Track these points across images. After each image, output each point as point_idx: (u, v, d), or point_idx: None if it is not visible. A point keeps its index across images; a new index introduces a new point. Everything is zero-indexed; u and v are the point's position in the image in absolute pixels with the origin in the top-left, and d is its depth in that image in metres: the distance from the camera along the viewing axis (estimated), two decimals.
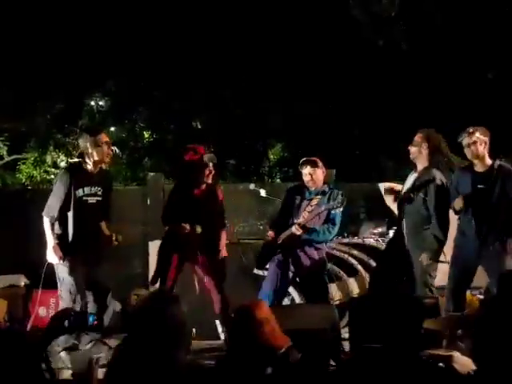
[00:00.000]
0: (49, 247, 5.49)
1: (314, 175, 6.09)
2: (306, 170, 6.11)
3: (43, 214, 5.53)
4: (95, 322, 4.88)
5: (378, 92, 11.17)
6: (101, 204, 5.69)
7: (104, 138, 5.72)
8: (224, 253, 6.10)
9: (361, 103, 11.48)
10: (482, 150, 5.49)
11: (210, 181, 6.06)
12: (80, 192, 5.52)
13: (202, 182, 6.00)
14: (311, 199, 6.13)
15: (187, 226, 5.81)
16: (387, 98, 11.10)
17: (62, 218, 5.50)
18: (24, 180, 11.38)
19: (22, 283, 7.04)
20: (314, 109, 11.88)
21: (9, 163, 11.60)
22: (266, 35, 11.67)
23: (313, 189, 6.17)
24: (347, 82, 11.53)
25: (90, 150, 5.55)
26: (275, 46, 11.68)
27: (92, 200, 5.62)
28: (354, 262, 7.16)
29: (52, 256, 5.47)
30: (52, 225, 5.50)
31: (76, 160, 5.87)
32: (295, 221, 6.06)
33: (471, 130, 5.51)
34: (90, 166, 5.58)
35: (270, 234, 6.24)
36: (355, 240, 7.35)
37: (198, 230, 5.88)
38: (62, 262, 5.44)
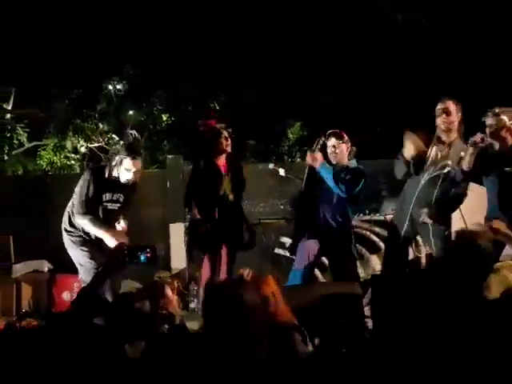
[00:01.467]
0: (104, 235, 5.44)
1: (338, 148, 5.89)
2: (330, 142, 5.90)
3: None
4: (148, 255, 4.79)
5: (399, 68, 11.05)
6: (120, 209, 5.65)
7: (137, 164, 5.48)
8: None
9: (381, 79, 11.37)
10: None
11: (229, 148, 5.90)
12: (103, 197, 5.50)
13: (221, 151, 5.88)
14: None
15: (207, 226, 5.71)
16: (408, 74, 10.98)
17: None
18: (45, 166, 11.47)
19: (46, 268, 7.06)
20: (333, 88, 11.80)
21: (29, 150, 11.69)
22: (283, 16, 11.59)
23: (335, 163, 5.96)
24: (367, 60, 11.43)
25: (115, 163, 5.48)
26: (292, 26, 11.61)
27: (112, 206, 5.58)
28: (376, 239, 7.10)
29: (111, 241, 5.41)
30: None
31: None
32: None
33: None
34: (113, 173, 5.52)
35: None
36: (377, 217, 7.29)
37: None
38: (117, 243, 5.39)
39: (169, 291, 3.77)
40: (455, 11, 10.23)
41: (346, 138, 5.94)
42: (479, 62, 10.27)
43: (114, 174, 5.48)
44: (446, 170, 5.50)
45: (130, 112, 12.43)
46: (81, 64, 11.35)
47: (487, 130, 5.32)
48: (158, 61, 12.15)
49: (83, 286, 5.26)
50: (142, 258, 4.38)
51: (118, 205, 5.61)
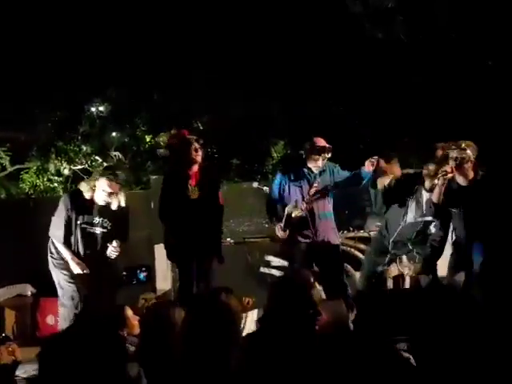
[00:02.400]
0: (70, 262, 5.49)
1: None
2: (323, 157, 6.03)
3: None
4: (146, 274, 4.73)
5: (381, 86, 11.10)
6: (108, 235, 5.64)
7: (113, 187, 5.57)
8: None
9: (363, 98, 11.42)
10: None
11: (199, 159, 5.89)
12: (79, 219, 5.51)
13: (191, 161, 5.85)
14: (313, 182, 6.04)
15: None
16: (390, 93, 11.03)
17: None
18: (27, 189, 11.38)
19: (29, 292, 7.01)
20: (316, 106, 11.84)
21: (12, 173, 11.60)
22: (266, 34, 11.64)
23: (316, 171, 6.09)
24: (348, 78, 11.48)
25: (91, 186, 5.52)
26: (275, 45, 11.65)
27: (94, 230, 5.58)
28: (360, 256, 7.11)
29: (76, 268, 5.48)
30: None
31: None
32: (301, 204, 5.95)
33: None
34: (90, 194, 5.53)
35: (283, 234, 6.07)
36: (361, 233, 7.30)
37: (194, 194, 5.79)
38: (85, 271, 5.45)
39: (129, 312, 3.77)
40: (435, 28, 10.31)
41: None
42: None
43: (91, 195, 5.50)
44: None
45: (113, 134, 12.40)
46: (63, 86, 11.31)
47: (451, 163, 5.42)
48: (141, 81, 12.15)
49: (76, 312, 5.26)
50: (141, 276, 4.39)
51: (103, 230, 5.61)
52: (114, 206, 5.58)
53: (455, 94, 10.26)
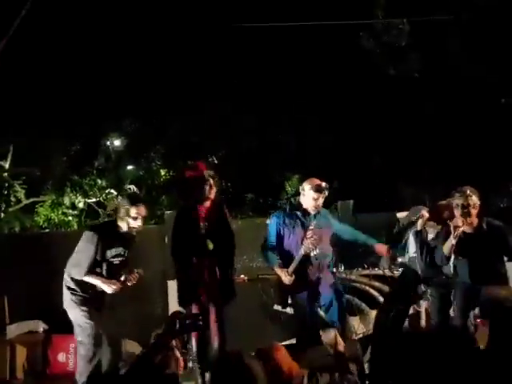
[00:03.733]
0: (102, 285, 5.46)
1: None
2: (323, 195, 5.97)
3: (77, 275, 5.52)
4: (201, 323, 4.64)
5: (395, 120, 11.12)
6: (124, 263, 5.64)
7: (141, 211, 5.59)
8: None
9: (377, 132, 11.43)
10: None
11: (212, 196, 5.84)
12: (108, 254, 5.51)
13: (203, 198, 5.83)
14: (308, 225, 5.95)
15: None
16: (404, 126, 11.04)
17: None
18: (42, 222, 11.42)
19: (41, 329, 6.93)
20: (329, 140, 11.87)
21: (27, 206, 11.66)
22: (280, 69, 11.73)
23: (312, 213, 6.00)
24: (362, 112, 11.52)
25: (121, 215, 5.54)
26: (290, 80, 11.73)
27: (116, 261, 5.58)
28: (375, 293, 7.00)
29: (109, 288, 5.44)
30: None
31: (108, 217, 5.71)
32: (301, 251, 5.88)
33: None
34: (122, 226, 5.55)
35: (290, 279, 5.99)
36: (376, 271, 7.20)
37: (210, 246, 5.69)
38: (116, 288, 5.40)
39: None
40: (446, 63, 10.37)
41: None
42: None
43: (123, 226, 5.51)
44: None
45: (129, 167, 12.47)
46: (78, 120, 11.42)
47: (456, 211, 5.41)
48: (156, 115, 12.25)
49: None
50: (197, 326, 4.33)
51: (122, 258, 5.61)
52: (135, 226, 5.58)
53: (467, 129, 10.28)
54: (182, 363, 4.09)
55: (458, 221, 5.40)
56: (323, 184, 6.00)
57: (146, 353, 3.98)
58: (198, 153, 12.69)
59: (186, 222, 5.77)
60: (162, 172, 12.78)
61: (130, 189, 12.35)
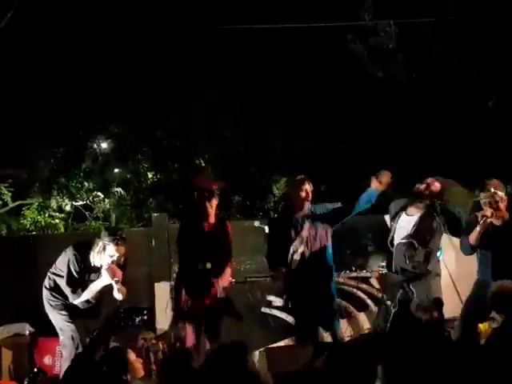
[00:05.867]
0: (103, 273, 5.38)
1: (310, 193, 5.90)
2: (307, 187, 5.88)
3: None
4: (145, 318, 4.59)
5: (384, 122, 11.14)
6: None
7: (120, 250, 5.40)
8: (221, 293, 5.80)
9: (365, 135, 11.46)
10: None
11: (212, 212, 5.84)
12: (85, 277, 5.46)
13: (205, 215, 5.79)
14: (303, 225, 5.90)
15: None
16: (393, 128, 11.07)
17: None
18: (29, 225, 11.35)
19: (27, 332, 6.88)
20: (317, 142, 11.90)
21: (13, 209, 11.59)
22: (268, 72, 11.75)
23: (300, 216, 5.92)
24: (350, 115, 11.54)
25: (99, 251, 5.42)
26: (278, 82, 11.75)
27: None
28: (363, 296, 7.02)
29: (107, 277, 5.33)
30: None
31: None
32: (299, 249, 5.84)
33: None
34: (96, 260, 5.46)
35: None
36: (364, 274, 7.21)
37: (208, 265, 5.70)
38: (118, 279, 5.29)
39: (132, 356, 3.69)
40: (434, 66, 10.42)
41: None
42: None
43: (96, 261, 5.40)
44: None
45: (116, 170, 12.43)
46: (65, 123, 11.37)
47: (488, 209, 5.36)
48: (143, 118, 12.22)
49: (78, 352, 5.17)
50: (138, 320, 4.31)
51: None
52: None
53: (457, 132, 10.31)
54: (141, 370, 3.99)
55: (487, 211, 5.37)
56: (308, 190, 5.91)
57: (85, 349, 3.93)
58: (185, 155, 12.68)
59: (190, 236, 5.80)
60: (150, 174, 12.73)
61: (116, 192, 12.31)
